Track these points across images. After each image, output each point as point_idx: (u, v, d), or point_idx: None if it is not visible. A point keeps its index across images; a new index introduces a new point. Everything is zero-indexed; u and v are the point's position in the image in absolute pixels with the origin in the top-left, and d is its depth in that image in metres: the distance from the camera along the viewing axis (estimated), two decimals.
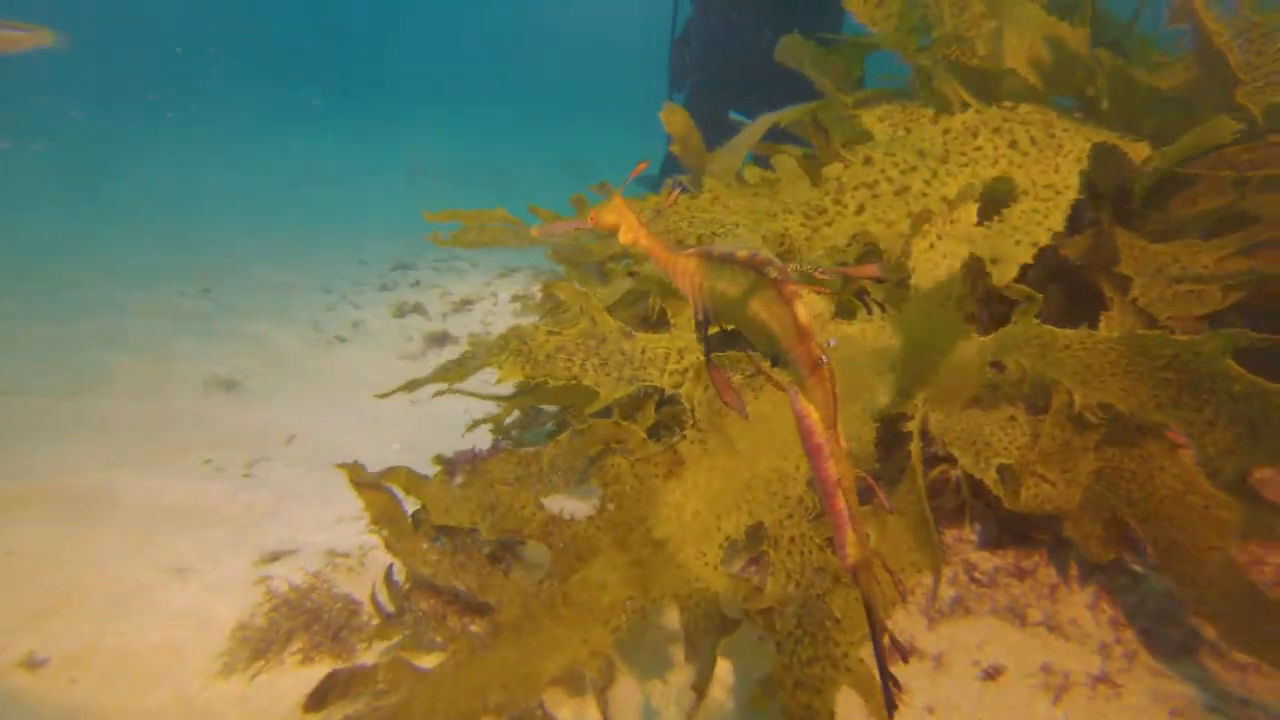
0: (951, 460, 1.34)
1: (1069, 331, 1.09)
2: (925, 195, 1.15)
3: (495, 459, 1.35)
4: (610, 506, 1.18)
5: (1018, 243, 1.07)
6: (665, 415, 1.41)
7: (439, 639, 1.18)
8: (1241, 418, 0.96)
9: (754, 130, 1.70)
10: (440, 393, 1.58)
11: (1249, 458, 0.93)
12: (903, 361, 1.26)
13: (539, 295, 3.32)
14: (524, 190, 6.48)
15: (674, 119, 1.88)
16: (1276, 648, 0.98)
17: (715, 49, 4.21)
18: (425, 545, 1.27)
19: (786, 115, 1.69)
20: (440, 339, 2.95)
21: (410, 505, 1.22)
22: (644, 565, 1.16)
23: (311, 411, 2.40)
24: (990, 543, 1.28)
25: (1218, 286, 1.13)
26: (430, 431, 2.33)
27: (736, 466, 1.21)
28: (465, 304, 3.30)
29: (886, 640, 0.61)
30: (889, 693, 0.63)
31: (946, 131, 1.25)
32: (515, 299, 3.27)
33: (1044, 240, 1.08)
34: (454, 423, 2.37)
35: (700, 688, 1.06)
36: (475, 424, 1.83)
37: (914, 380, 1.27)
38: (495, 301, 3.34)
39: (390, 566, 1.26)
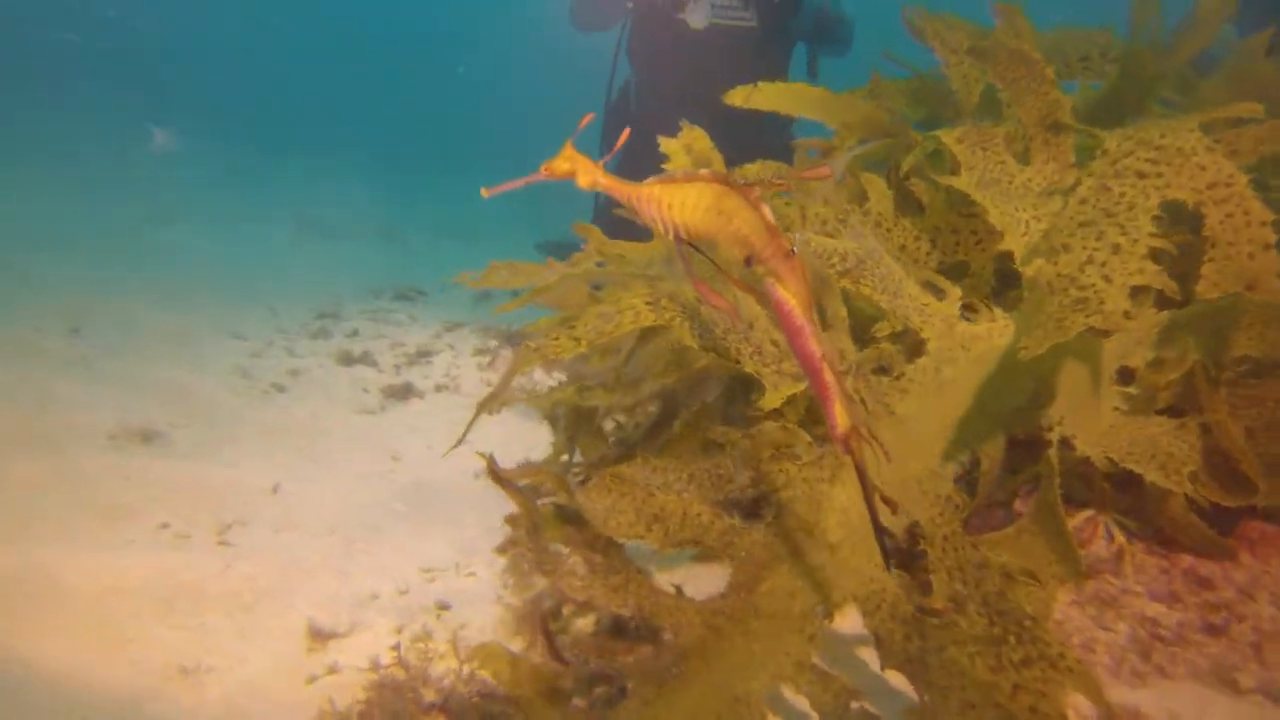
0: (1091, 503, 1.32)
1: (1195, 305, 1.16)
2: (1136, 242, 1.15)
3: (632, 465, 1.17)
4: (785, 513, 1.14)
5: (1250, 256, 1.09)
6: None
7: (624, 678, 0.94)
8: None
9: (841, 162, 1.67)
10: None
11: None
12: (1029, 366, 1.25)
13: (497, 349, 3.05)
14: (419, 249, 6.13)
15: (695, 137, 1.75)
16: None
17: (656, 112, 4.20)
18: (570, 564, 1.05)
19: (867, 151, 1.69)
20: (403, 391, 2.60)
21: None
22: (823, 570, 1.13)
23: (274, 467, 1.98)
24: (1161, 595, 1.23)
25: None
26: (428, 493, 1.99)
27: (890, 468, 1.20)
28: (422, 355, 2.97)
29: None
30: (884, 546, 0.75)
31: (1083, 201, 1.29)
32: (478, 353, 2.97)
33: (1271, 238, 1.12)
34: (452, 482, 2.04)
35: None
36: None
37: (1041, 386, 1.26)
38: (455, 353, 3.03)
39: (545, 609, 0.98)
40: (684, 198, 0.68)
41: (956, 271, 1.55)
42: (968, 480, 1.28)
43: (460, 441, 1.29)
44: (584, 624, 1.15)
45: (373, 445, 2.26)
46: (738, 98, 1.61)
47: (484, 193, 0.81)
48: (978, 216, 1.51)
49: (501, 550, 1.49)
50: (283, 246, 5.39)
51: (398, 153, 10.73)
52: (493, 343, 3.14)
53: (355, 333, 3.28)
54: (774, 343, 1.26)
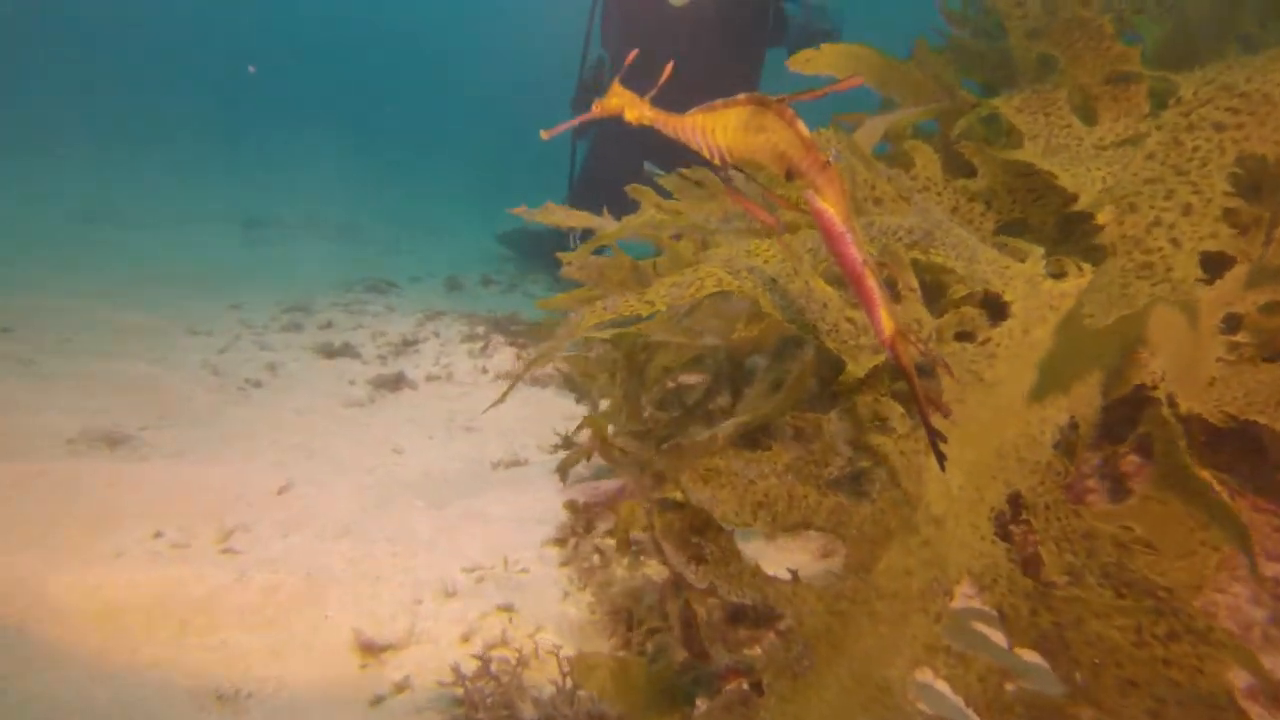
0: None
1: None
2: (1209, 202, 1.09)
3: (725, 457, 1.08)
4: (888, 487, 1.08)
5: None
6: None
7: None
8: None
9: (877, 126, 1.58)
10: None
11: None
12: (1118, 322, 1.20)
13: (486, 335, 2.88)
14: (380, 243, 5.83)
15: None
16: None
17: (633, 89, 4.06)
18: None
19: (912, 116, 1.60)
20: (393, 382, 2.40)
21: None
22: (933, 544, 1.07)
23: (267, 466, 1.79)
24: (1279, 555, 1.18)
25: None
26: (444, 486, 1.83)
27: (985, 435, 1.16)
28: (407, 344, 2.77)
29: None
30: (937, 447, 0.76)
31: (1151, 156, 1.23)
32: (467, 340, 2.78)
33: None
34: (467, 472, 1.89)
35: None
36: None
37: (1137, 341, 1.21)
38: (442, 342, 2.84)
39: (683, 602, 0.86)
40: (724, 121, 0.72)
41: (1015, 229, 1.50)
42: (1064, 446, 1.21)
43: (501, 400, 1.16)
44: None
45: (371, 439, 2.07)
46: (799, 62, 1.50)
47: (544, 135, 0.86)
48: (1034, 174, 1.46)
49: (559, 542, 1.35)
50: (232, 243, 5.03)
51: (348, 147, 10.24)
52: (480, 329, 2.96)
53: (329, 324, 3.04)
54: (849, 320, 1.21)
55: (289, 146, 9.40)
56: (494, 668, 0.95)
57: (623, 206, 1.82)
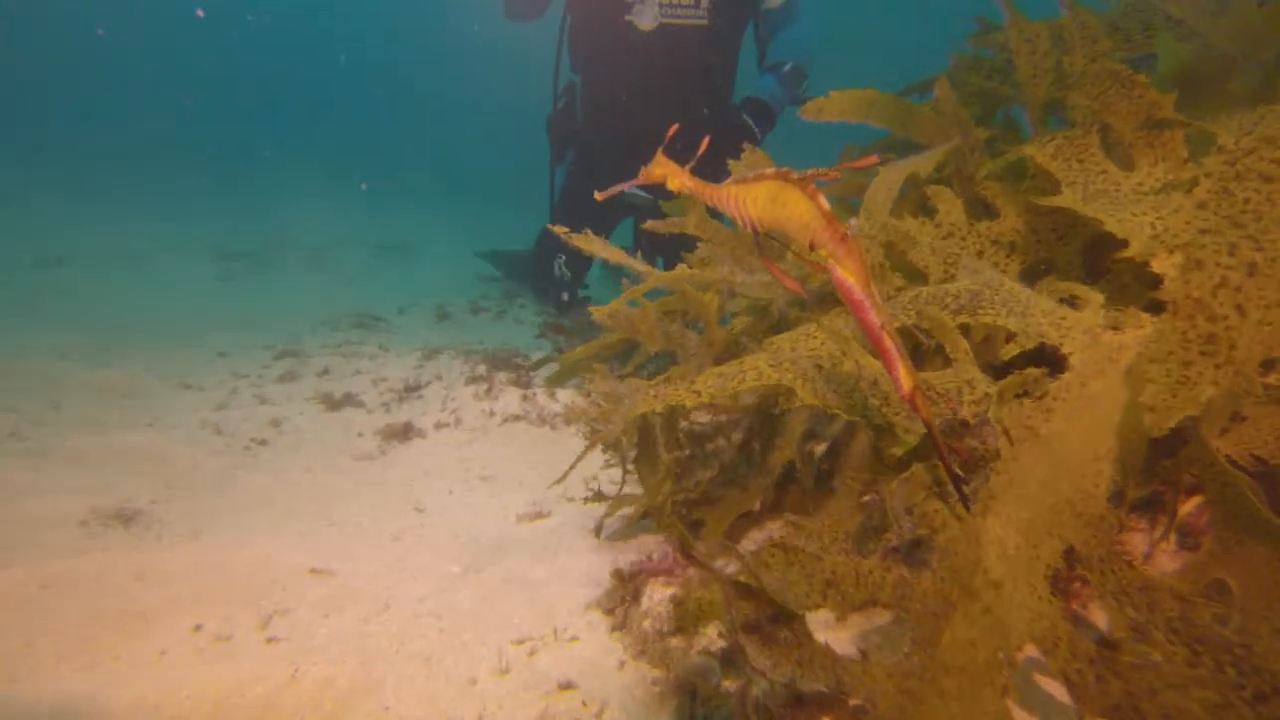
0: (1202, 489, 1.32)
1: None
2: (1274, 261, 1.14)
3: (787, 532, 1.11)
4: (947, 554, 1.11)
5: None
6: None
7: None
8: None
9: (894, 178, 1.63)
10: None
11: None
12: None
13: (489, 374, 2.88)
14: (356, 271, 5.79)
15: (758, 159, 1.72)
16: None
17: (601, 118, 4.06)
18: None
19: (930, 162, 1.65)
20: (402, 432, 2.40)
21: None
22: (994, 611, 1.08)
23: (291, 537, 1.79)
24: None
25: None
26: (474, 546, 1.84)
27: (1040, 493, 1.18)
28: (410, 390, 2.76)
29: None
30: (963, 493, 0.88)
31: (1202, 205, 1.25)
32: (471, 382, 2.79)
33: None
34: (495, 530, 1.91)
35: None
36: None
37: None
38: (445, 384, 2.83)
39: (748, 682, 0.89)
40: (754, 194, 0.77)
41: (1041, 271, 1.54)
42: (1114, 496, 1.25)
43: (564, 479, 1.16)
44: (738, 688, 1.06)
45: (390, 499, 2.08)
46: (811, 111, 1.54)
47: (598, 196, 0.95)
48: (1059, 212, 1.49)
49: (606, 610, 1.37)
50: (205, 283, 4.97)
51: (315, 175, 10.10)
52: (481, 368, 2.96)
53: (326, 371, 3.03)
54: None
55: (253, 177, 9.27)
56: None
57: (601, 227, 1.81)
